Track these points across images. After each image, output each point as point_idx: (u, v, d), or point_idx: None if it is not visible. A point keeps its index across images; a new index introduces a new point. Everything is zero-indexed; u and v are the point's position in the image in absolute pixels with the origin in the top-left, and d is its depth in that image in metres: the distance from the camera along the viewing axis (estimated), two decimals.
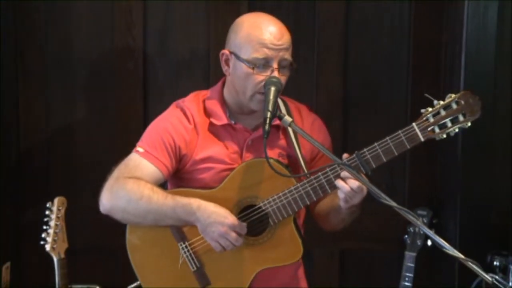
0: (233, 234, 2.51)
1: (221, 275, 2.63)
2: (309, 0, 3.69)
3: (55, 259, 3.16)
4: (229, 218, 2.51)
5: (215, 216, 2.51)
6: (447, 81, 3.64)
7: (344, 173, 2.42)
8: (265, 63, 2.52)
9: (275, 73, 2.51)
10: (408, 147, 2.42)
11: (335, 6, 3.69)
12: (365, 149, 2.44)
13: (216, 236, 2.51)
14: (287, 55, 2.56)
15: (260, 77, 2.52)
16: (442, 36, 3.71)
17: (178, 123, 2.65)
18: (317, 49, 3.71)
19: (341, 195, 2.44)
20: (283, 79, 2.54)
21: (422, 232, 3.15)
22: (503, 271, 3.08)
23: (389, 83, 3.76)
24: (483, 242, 3.38)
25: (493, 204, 3.47)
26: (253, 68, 2.52)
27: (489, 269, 3.10)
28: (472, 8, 3.44)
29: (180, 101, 2.73)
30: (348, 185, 2.41)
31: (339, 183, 2.43)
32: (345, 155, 2.45)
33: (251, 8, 3.58)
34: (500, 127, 3.42)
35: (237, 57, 2.57)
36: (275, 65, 2.52)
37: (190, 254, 2.61)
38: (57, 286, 3.18)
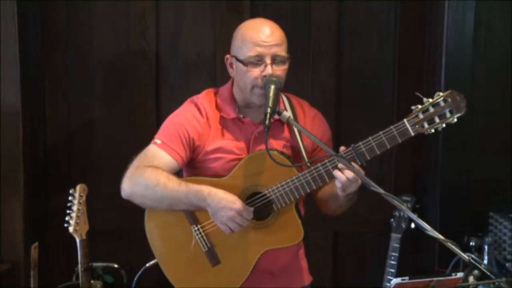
0: (241, 219, 2.54)
1: (230, 255, 2.67)
2: (305, 1, 3.72)
3: (77, 240, 3.20)
4: (237, 203, 2.54)
5: (225, 202, 2.54)
6: (430, 80, 3.67)
7: (341, 164, 2.45)
8: (258, 60, 2.56)
9: (269, 68, 2.55)
10: (400, 141, 2.45)
11: (328, 9, 3.72)
12: (360, 143, 2.47)
13: (225, 220, 2.55)
14: (280, 51, 2.58)
15: (255, 73, 2.56)
16: (425, 39, 3.75)
17: (192, 117, 2.69)
18: (312, 50, 3.75)
19: (338, 184, 2.46)
20: (278, 73, 2.57)
21: (406, 216, 3.17)
22: (478, 250, 3.10)
23: (377, 82, 3.81)
24: (461, 224, 3.41)
25: (469, 191, 3.52)
26: (247, 65, 2.57)
27: (466, 249, 3.13)
28: (452, 13, 3.46)
29: (194, 98, 2.77)
30: (345, 175, 2.43)
31: (337, 173, 2.45)
32: (342, 148, 2.49)
33: (253, 13, 3.60)
34: (477, 122, 3.47)
35: (237, 59, 2.62)
36: (268, 61, 2.56)
37: (202, 236, 2.66)
38: (79, 264, 3.23)
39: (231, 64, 2.68)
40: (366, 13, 3.76)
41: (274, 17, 2.72)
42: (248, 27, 2.64)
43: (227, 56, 2.69)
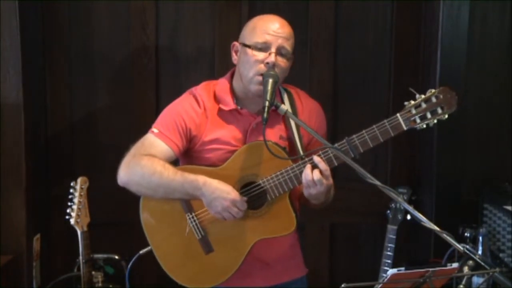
0: (234, 209, 2.53)
1: (223, 243, 2.65)
2: (303, 1, 3.71)
3: (78, 232, 3.21)
4: (232, 193, 2.53)
5: (219, 192, 2.53)
6: (425, 74, 3.67)
7: (315, 161, 2.46)
8: (265, 47, 2.56)
9: (272, 56, 2.54)
10: (392, 134, 2.45)
11: (325, 6, 3.71)
12: (354, 136, 2.46)
13: (219, 209, 2.54)
14: (287, 45, 2.58)
15: (258, 56, 2.56)
16: (421, 34, 3.74)
17: (190, 107, 2.67)
18: (310, 45, 3.73)
19: (303, 180, 2.48)
20: (281, 64, 2.57)
21: (402, 207, 3.16)
22: (473, 241, 3.09)
23: (373, 76, 3.80)
24: (456, 216, 3.43)
25: (464, 183, 3.54)
26: (252, 49, 2.57)
27: (460, 239, 3.12)
28: (447, 9, 3.48)
29: (193, 89, 2.74)
30: (312, 174, 2.45)
31: (306, 170, 2.46)
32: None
33: (252, 10, 3.59)
34: (471, 114, 3.47)
35: (244, 45, 2.61)
36: (273, 49, 2.55)
37: (196, 224, 2.64)
38: (80, 255, 3.24)
39: (236, 51, 2.67)
40: (362, 8, 3.75)
41: (272, 13, 2.71)
42: (261, 18, 2.65)
43: (234, 43, 2.67)
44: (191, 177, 2.56)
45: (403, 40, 3.75)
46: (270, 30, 2.56)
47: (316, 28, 3.73)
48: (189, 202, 2.64)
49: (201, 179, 2.55)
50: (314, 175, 2.44)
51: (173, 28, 3.71)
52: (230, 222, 2.58)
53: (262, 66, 2.55)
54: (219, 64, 3.60)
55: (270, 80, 2.49)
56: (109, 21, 3.69)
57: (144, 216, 2.71)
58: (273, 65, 2.54)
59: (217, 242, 2.66)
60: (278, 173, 2.55)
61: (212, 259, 2.66)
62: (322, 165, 2.46)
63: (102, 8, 3.67)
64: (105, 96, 3.73)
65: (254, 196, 2.60)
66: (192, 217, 2.64)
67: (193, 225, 2.64)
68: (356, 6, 3.75)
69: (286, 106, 2.56)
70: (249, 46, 2.57)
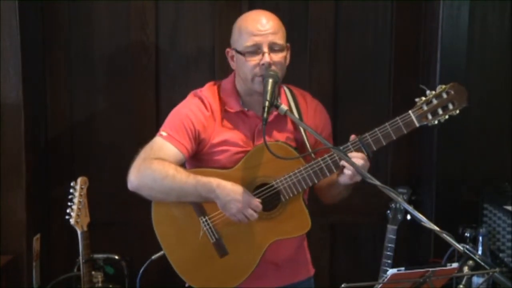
0: (249, 210, 2.52)
1: (237, 246, 2.63)
2: (303, 1, 3.71)
3: (78, 232, 3.20)
4: (246, 196, 2.52)
5: (233, 194, 2.51)
6: (425, 74, 3.67)
7: (351, 154, 2.44)
8: (256, 49, 2.54)
9: (266, 56, 2.52)
10: (405, 132, 2.46)
11: (325, 7, 3.71)
12: (366, 134, 2.48)
13: (234, 212, 2.52)
14: (277, 39, 2.55)
15: (253, 61, 2.54)
16: (421, 34, 3.74)
17: (197, 110, 2.64)
18: (310, 45, 3.73)
19: (347, 172, 2.44)
20: (277, 60, 2.55)
21: (402, 207, 3.16)
22: (473, 241, 3.10)
23: (373, 76, 3.79)
24: (456, 216, 3.42)
25: (464, 183, 3.53)
26: (245, 55, 2.55)
27: (460, 239, 3.12)
28: (447, 9, 3.48)
29: (198, 91, 2.72)
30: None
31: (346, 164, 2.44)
32: (352, 136, 2.49)
33: (251, 10, 3.58)
34: (471, 114, 3.46)
35: (236, 51, 2.60)
36: (265, 49, 2.53)
37: (210, 227, 2.61)
38: (80, 255, 3.23)
39: (232, 57, 2.65)
40: (362, 8, 3.74)
41: (273, 13, 2.71)
42: (244, 18, 2.63)
43: (228, 49, 2.66)
44: (204, 179, 2.54)
45: (403, 40, 3.75)
46: (256, 30, 2.54)
47: (316, 28, 3.73)
48: (201, 206, 2.61)
49: (214, 181, 2.53)
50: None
51: (173, 28, 3.71)
52: (244, 225, 2.57)
53: (258, 69, 2.54)
54: (219, 64, 3.60)
55: (270, 80, 2.48)
56: (109, 21, 3.69)
57: (156, 221, 2.67)
58: (269, 64, 2.53)
59: (232, 245, 2.64)
60: (291, 173, 2.55)
61: (226, 262, 2.64)
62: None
63: (102, 8, 3.68)
64: (105, 96, 3.73)
65: (267, 198, 2.58)
66: (206, 221, 2.61)
67: (207, 229, 2.62)
68: (356, 6, 3.74)
69: (286, 106, 2.54)
70: (241, 53, 2.56)
